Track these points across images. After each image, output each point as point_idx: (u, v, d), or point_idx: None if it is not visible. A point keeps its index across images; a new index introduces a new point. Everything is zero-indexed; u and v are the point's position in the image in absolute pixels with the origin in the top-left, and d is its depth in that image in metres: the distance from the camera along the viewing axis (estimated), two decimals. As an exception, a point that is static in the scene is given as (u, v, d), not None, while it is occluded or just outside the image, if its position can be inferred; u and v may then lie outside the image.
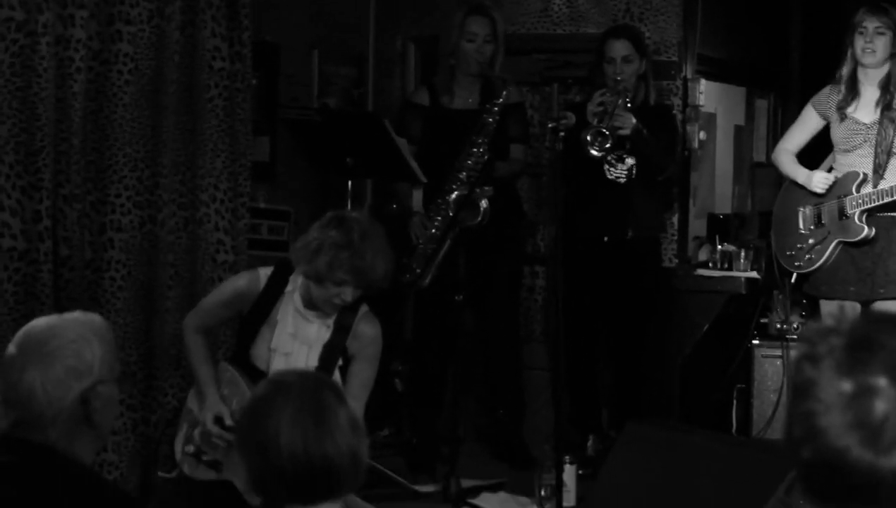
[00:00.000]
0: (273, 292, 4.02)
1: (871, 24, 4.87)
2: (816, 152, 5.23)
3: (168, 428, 4.23)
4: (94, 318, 2.57)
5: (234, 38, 4.86)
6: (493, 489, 4.92)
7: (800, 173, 5.08)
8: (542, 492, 4.56)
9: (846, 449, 1.52)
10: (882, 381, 1.52)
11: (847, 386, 1.53)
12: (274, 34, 5.87)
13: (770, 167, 5.59)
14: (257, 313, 4.02)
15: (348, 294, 3.85)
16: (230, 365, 4.07)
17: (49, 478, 2.39)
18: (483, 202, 5.06)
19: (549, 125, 5.06)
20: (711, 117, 6.46)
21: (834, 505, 1.58)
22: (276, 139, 5.89)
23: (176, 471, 4.09)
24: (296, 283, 3.98)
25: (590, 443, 5.48)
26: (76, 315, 2.55)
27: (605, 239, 5.47)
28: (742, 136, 6.92)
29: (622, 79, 5.35)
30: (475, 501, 4.69)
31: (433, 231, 5.30)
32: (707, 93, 6.25)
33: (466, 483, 4.82)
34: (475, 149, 5.27)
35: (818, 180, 5.00)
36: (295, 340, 3.98)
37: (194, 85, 4.78)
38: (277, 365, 3.93)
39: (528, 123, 5.81)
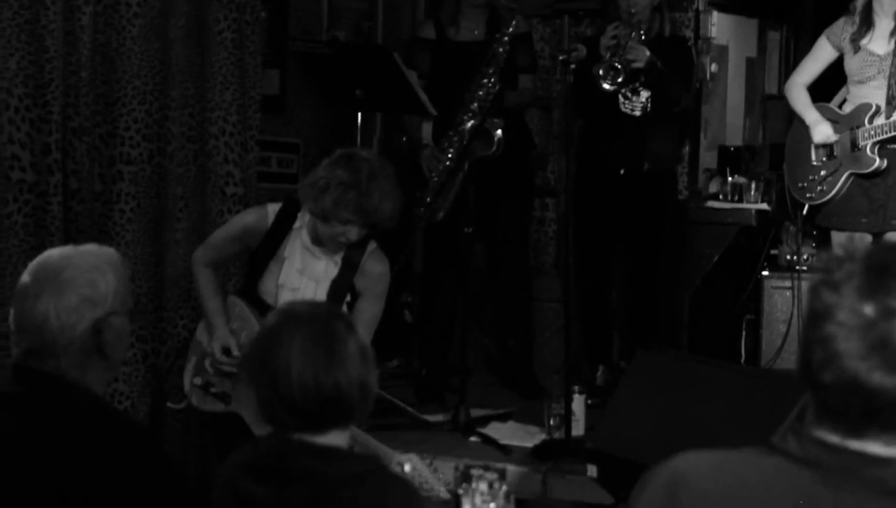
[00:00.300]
0: (281, 228, 4.00)
1: None
2: (830, 84, 5.19)
3: (178, 360, 4.24)
4: (109, 251, 2.58)
5: (243, -30, 4.83)
6: (503, 418, 4.92)
7: (809, 115, 5.04)
8: (551, 422, 4.57)
9: (868, 372, 1.53)
10: None
11: (869, 309, 1.54)
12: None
13: (782, 99, 5.54)
14: (266, 248, 4.01)
15: (353, 233, 3.84)
16: (239, 298, 4.08)
17: (60, 407, 2.41)
18: (497, 132, 5.04)
19: (560, 57, 5.02)
20: (723, 49, 6.42)
21: (852, 429, 1.59)
22: (285, 72, 5.87)
23: (184, 402, 4.11)
24: (304, 220, 3.97)
25: (599, 373, 5.51)
26: (91, 247, 2.56)
27: (622, 171, 5.45)
28: (754, 69, 6.87)
29: (636, 12, 5.29)
30: (484, 430, 4.70)
31: (447, 163, 5.29)
32: (719, 25, 6.20)
33: (476, 412, 4.83)
34: (485, 80, 5.24)
35: (820, 133, 4.96)
36: (303, 276, 3.98)
37: (203, 18, 4.75)
38: (285, 300, 3.91)
39: (535, 52, 5.78)
